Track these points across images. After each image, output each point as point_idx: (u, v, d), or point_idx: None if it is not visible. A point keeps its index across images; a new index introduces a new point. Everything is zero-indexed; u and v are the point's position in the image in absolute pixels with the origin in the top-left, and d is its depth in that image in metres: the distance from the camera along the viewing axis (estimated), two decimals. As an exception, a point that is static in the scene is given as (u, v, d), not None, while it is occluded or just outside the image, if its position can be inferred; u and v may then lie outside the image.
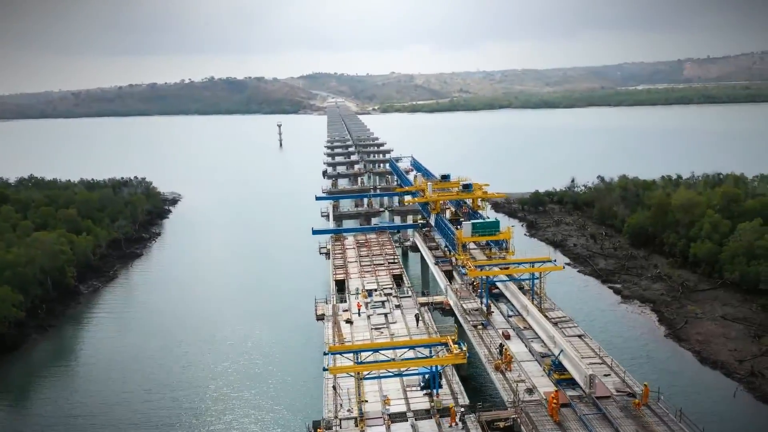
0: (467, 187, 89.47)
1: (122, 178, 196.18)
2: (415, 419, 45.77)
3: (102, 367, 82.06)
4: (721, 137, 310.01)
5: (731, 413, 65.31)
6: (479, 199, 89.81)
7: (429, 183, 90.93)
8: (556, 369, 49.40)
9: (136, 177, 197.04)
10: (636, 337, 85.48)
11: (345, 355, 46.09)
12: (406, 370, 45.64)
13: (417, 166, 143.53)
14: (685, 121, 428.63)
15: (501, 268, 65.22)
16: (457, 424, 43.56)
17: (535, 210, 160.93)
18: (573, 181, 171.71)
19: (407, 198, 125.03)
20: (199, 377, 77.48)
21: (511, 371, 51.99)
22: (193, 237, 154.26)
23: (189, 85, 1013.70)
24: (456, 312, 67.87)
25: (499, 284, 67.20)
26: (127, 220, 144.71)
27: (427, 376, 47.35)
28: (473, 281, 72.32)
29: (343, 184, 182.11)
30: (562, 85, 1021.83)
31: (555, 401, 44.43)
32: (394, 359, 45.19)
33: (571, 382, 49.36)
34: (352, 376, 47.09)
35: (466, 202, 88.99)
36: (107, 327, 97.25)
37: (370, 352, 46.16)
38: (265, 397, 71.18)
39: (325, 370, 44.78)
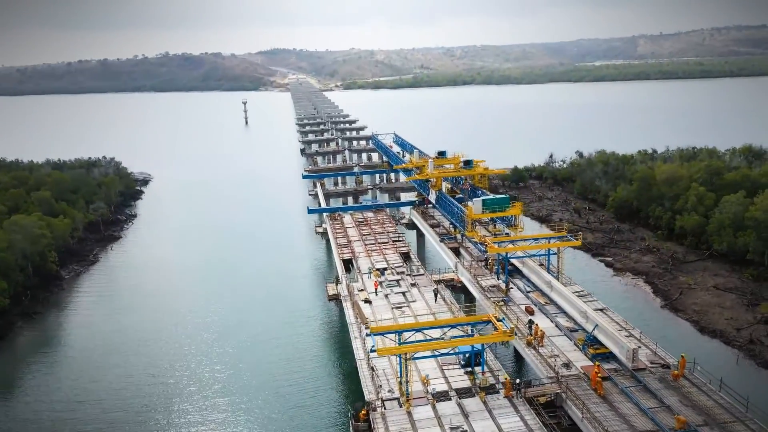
0: (468, 164, 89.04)
1: (90, 158, 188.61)
2: (459, 397, 45.62)
3: (97, 352, 79.21)
4: (684, 112, 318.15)
5: (737, 380, 67.34)
6: (479, 175, 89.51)
7: (430, 160, 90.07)
8: (591, 343, 49.80)
9: (104, 157, 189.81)
10: (633, 309, 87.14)
11: (388, 335, 45.31)
12: (452, 349, 45.25)
13: (401, 143, 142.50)
14: (647, 96, 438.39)
15: (519, 244, 65.25)
16: (512, 397, 43.64)
17: (516, 186, 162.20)
18: (551, 156, 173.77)
19: (401, 175, 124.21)
20: (203, 362, 75.68)
21: (544, 346, 52.19)
22: (171, 218, 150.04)
23: (143, 61, 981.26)
24: (471, 289, 67.78)
25: (515, 261, 67.29)
26: (102, 201, 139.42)
27: (467, 354, 47.09)
28: (485, 258, 72.34)
29: (321, 162, 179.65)
30: (521, 61, 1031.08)
31: (599, 375, 44.81)
32: (440, 338, 44.71)
33: (605, 356, 49.84)
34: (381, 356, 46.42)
35: (466, 179, 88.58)
36: (94, 312, 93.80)
37: (412, 332, 45.55)
38: (289, 382, 69.55)
39: (372, 351, 43.95)
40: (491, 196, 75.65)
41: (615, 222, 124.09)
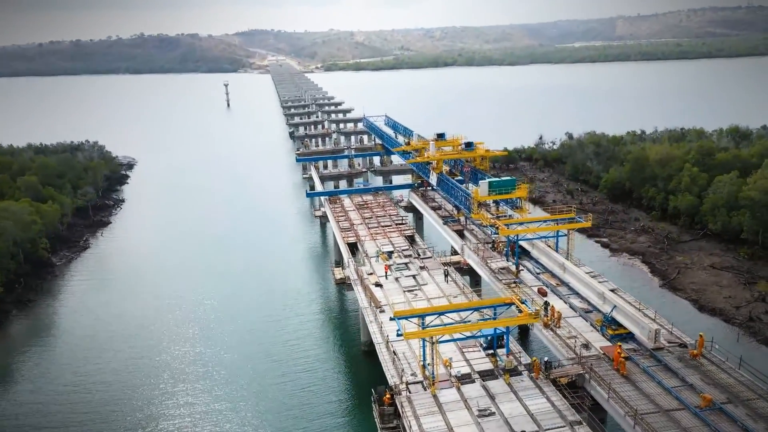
0: (469, 146, 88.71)
1: (72, 142, 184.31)
2: (483, 380, 45.72)
3: (94, 339, 77.96)
4: (667, 94, 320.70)
5: (748, 358, 68.74)
6: (480, 157, 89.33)
7: (431, 142, 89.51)
8: (609, 324, 50.16)
9: (87, 141, 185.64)
10: (632, 289, 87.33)
11: (411, 319, 45.08)
12: (477, 332, 45.23)
13: (393, 125, 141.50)
14: (629, 78, 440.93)
15: (529, 226, 65.33)
16: (539, 378, 43.85)
17: (507, 167, 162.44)
18: (541, 138, 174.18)
19: (393, 158, 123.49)
20: (205, 346, 74.91)
21: (561, 328, 52.46)
22: (160, 202, 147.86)
23: (117, 42, 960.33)
24: (480, 271, 67.86)
25: (524, 243, 67.38)
26: (89, 186, 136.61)
27: (489, 337, 47.12)
28: (492, 240, 72.41)
29: (311, 145, 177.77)
30: (501, 42, 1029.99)
31: (622, 355, 45.19)
32: (466, 321, 44.62)
33: (622, 337, 50.22)
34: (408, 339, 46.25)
35: (467, 161, 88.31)
36: (89, 298, 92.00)
37: (435, 315, 45.40)
38: (297, 367, 69.17)
39: (399, 335, 43.72)
40: (495, 178, 75.37)
41: (608, 203, 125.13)
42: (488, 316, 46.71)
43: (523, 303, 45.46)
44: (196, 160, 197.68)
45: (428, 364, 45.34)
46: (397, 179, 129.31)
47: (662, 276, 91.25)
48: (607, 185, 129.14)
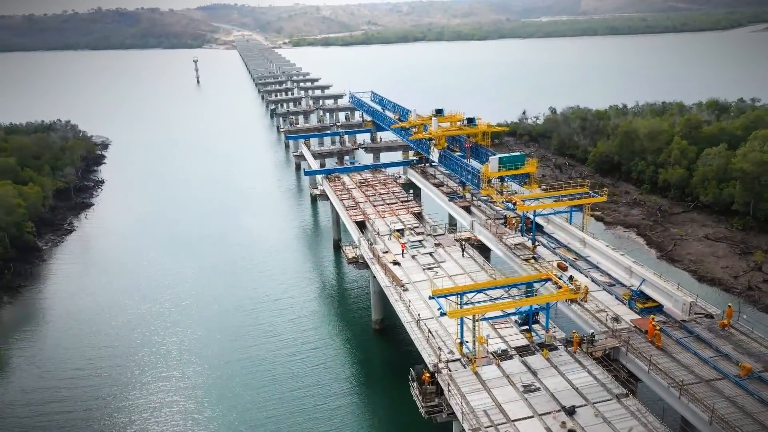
0: (471, 121, 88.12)
1: (43, 121, 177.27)
2: (521, 356, 45.86)
3: (89, 324, 75.83)
4: (642, 68, 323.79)
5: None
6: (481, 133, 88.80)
7: (434, 119, 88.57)
8: (638, 298, 50.70)
9: (60, 120, 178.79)
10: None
11: (449, 297, 44.77)
12: (516, 308, 45.22)
13: (381, 101, 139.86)
14: (601, 52, 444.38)
15: (544, 201, 65.44)
16: (577, 352, 44.16)
17: (492, 143, 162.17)
18: (524, 113, 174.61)
19: (380, 135, 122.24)
20: (203, 328, 73.62)
21: (588, 302, 52.81)
22: (141, 182, 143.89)
23: (73, 17, 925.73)
24: (494, 247, 67.85)
25: (539, 219, 67.49)
26: (69, 167, 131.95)
27: (525, 313, 47.16)
28: (504, 216, 72.44)
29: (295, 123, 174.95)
30: (469, 17, 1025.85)
31: (656, 328, 45.77)
32: (508, 297, 44.53)
33: (650, 310, 50.79)
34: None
35: (469, 137, 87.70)
36: (80, 282, 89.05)
37: (474, 293, 45.19)
38: (314, 348, 68.66)
39: (443, 314, 43.34)
40: (503, 154, 74.95)
41: (598, 177, 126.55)
42: (520, 293, 46.67)
43: (559, 278, 45.51)
44: (172, 138, 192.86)
45: (465, 342, 45.19)
46: (386, 156, 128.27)
47: (659, 248, 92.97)
48: (596, 159, 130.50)
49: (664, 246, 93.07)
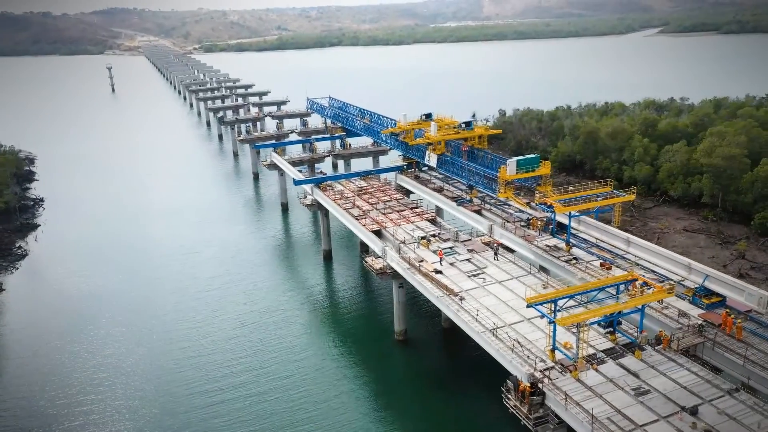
0: (468, 125, 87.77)
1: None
2: (613, 359, 45.55)
3: (69, 353, 68.92)
4: (562, 70, 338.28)
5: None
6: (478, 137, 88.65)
7: (432, 123, 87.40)
8: (703, 294, 51.78)
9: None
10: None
11: (544, 305, 43.72)
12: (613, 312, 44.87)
13: (342, 107, 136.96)
14: (518, 56, 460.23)
15: (577, 202, 66.02)
16: (669, 350, 44.39)
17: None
18: (474, 116, 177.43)
19: (361, 140, 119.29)
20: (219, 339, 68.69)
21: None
22: (85, 198, 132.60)
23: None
24: (522, 250, 67.64)
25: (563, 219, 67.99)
26: (10, 186, 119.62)
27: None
28: (527, 219, 72.53)
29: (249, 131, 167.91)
30: (378, 22, 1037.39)
31: (736, 322, 46.91)
32: (603, 301, 44.02)
33: (713, 305, 51.92)
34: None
35: (466, 140, 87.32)
36: (51, 308, 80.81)
37: (566, 299, 44.41)
38: (338, 359, 65.56)
39: (551, 322, 42.12)
40: (524, 156, 75.04)
41: (564, 176, 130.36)
42: (607, 296, 46.47)
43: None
44: (105, 149, 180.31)
45: (575, 349, 44.31)
46: (358, 163, 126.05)
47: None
48: (558, 158, 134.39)
49: (649, 239, 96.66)
